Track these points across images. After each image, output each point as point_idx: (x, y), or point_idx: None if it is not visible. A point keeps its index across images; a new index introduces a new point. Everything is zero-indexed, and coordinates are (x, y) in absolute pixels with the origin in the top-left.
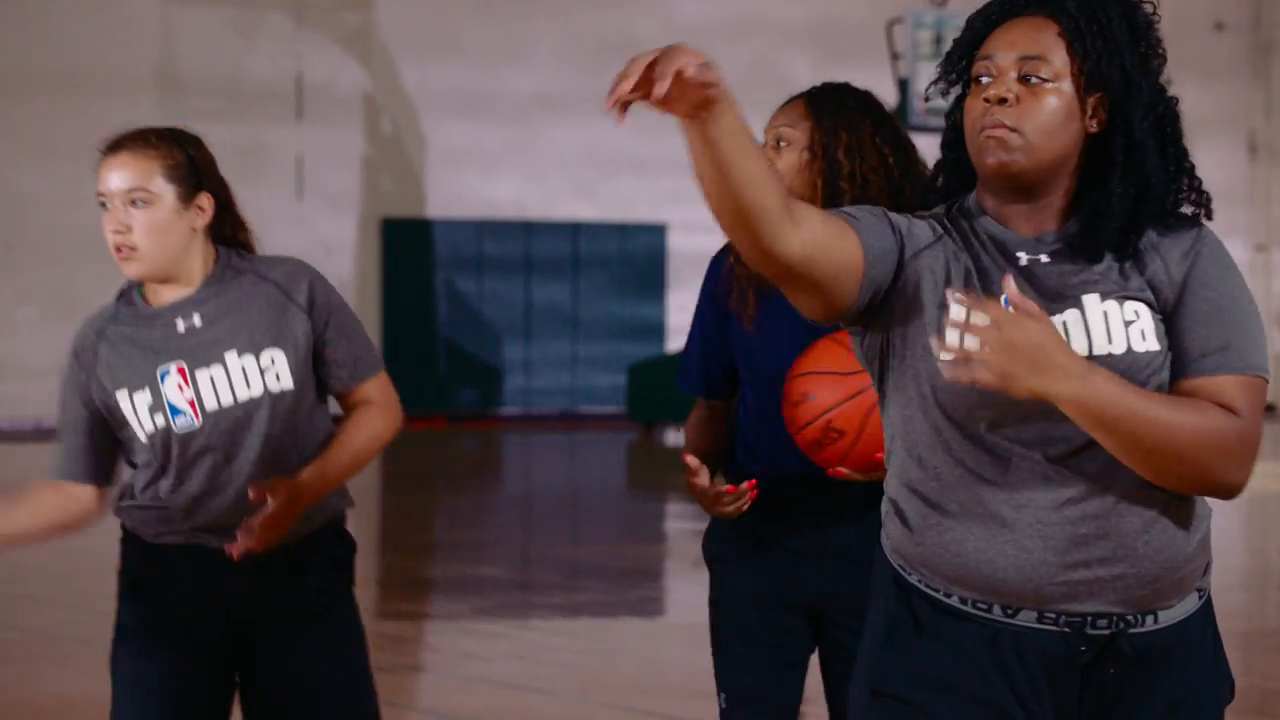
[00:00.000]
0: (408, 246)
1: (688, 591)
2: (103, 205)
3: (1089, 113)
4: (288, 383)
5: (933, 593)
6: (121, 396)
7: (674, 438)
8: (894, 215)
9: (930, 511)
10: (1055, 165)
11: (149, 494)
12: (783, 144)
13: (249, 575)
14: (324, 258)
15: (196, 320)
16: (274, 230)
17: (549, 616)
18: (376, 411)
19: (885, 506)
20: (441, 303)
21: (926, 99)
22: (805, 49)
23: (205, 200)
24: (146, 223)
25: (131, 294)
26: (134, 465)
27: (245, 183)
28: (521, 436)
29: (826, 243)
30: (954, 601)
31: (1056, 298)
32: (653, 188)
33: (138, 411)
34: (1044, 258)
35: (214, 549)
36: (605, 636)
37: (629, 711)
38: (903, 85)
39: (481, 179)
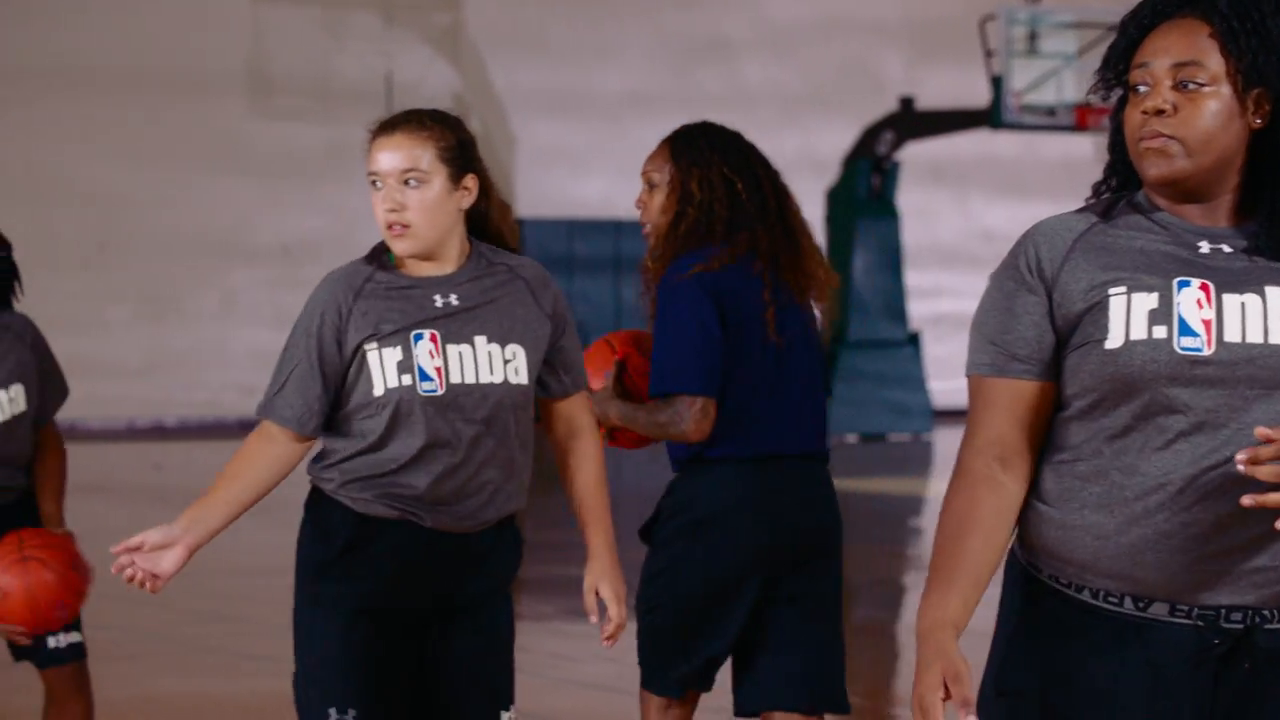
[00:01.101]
0: None
1: None
2: (373, 184)
3: (1251, 109)
4: (524, 378)
5: (1063, 589)
6: (370, 348)
7: None
8: (1021, 276)
9: (1065, 499)
10: (1219, 167)
11: (367, 460)
12: (653, 186)
13: (449, 557)
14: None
15: (454, 299)
16: (363, 230)
17: None
18: (594, 446)
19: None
20: None
21: (1020, 95)
22: (897, 48)
23: (471, 182)
24: (419, 201)
25: (384, 260)
26: (344, 435)
27: (335, 183)
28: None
29: (1043, 425)
30: (1085, 597)
31: (1238, 283)
32: None
33: (384, 365)
34: (1225, 248)
35: (424, 527)
36: None
37: (720, 713)
38: (996, 83)
39: (571, 178)
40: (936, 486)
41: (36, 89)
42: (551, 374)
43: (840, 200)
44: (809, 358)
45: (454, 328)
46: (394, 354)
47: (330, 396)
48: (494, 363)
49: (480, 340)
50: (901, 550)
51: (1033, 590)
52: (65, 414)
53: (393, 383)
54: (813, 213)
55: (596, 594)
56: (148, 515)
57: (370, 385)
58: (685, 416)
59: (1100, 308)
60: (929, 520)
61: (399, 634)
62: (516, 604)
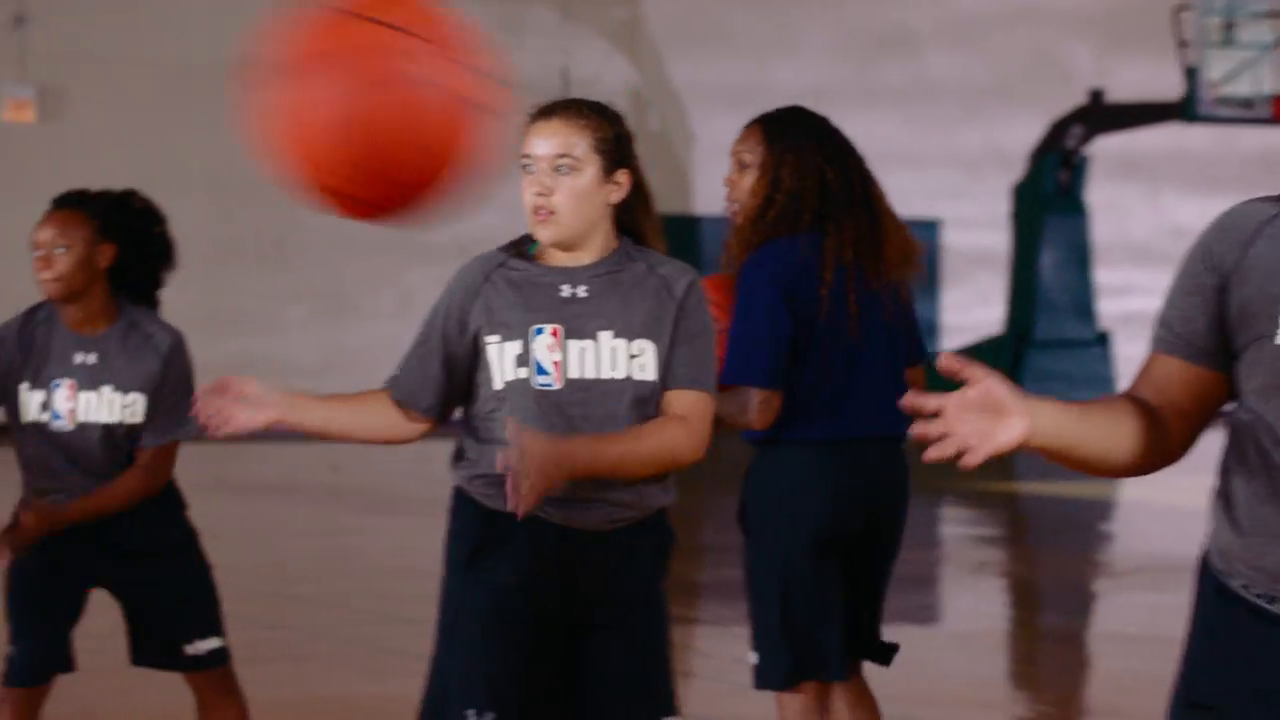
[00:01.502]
0: (675, 243)
1: (965, 599)
2: (525, 168)
3: None
4: (651, 374)
5: (1256, 599)
6: (492, 340)
7: None
8: (1198, 260)
9: (1253, 504)
10: None
11: (489, 454)
12: (744, 167)
13: (583, 555)
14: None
15: (581, 291)
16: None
17: None
18: (676, 426)
19: (1211, 502)
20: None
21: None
22: (1087, 38)
23: (623, 177)
24: (569, 189)
25: (524, 247)
26: (471, 431)
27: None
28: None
29: (1194, 409)
30: (1277, 609)
31: None
32: (926, 182)
33: (504, 359)
34: None
35: (552, 523)
36: None
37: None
38: (1190, 74)
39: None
40: (1127, 490)
41: (217, 84)
42: (664, 368)
43: (1027, 196)
44: (890, 341)
45: (577, 322)
46: (514, 347)
47: (453, 379)
48: (617, 359)
49: (605, 335)
50: (1089, 555)
51: (1225, 599)
52: None
53: (509, 375)
54: (998, 209)
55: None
56: (326, 516)
57: (490, 378)
58: (750, 408)
59: (1274, 300)
60: (1119, 525)
61: (542, 638)
62: (695, 608)
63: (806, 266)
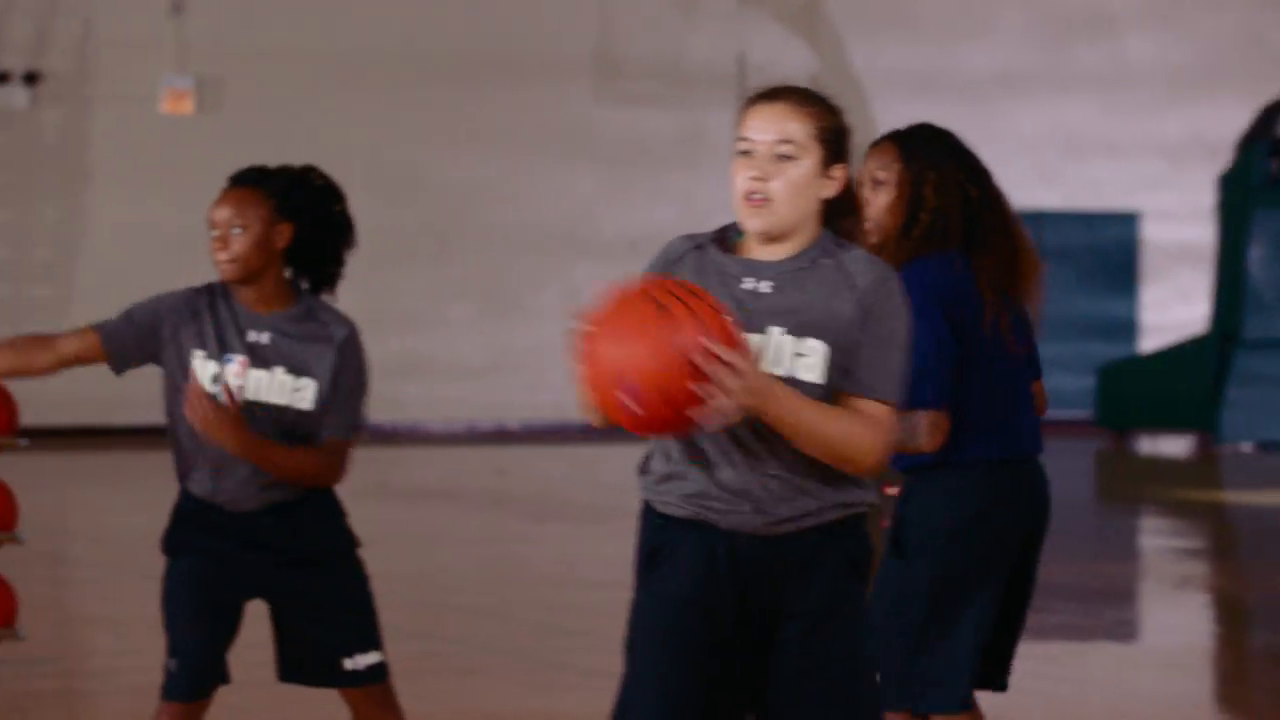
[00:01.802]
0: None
1: (1167, 615)
2: (742, 152)
3: None
4: (817, 375)
5: None
6: None
7: (1148, 445)
8: None
9: None
10: None
11: (661, 454)
12: (878, 184)
13: (755, 562)
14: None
15: (763, 286)
16: (714, 221)
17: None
18: (864, 425)
19: None
20: None
21: None
22: None
23: (839, 172)
24: (787, 177)
25: (729, 235)
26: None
27: (685, 170)
28: None
29: None
30: None
31: None
32: (1124, 172)
33: None
34: None
35: (719, 527)
36: (1077, 663)
37: None
38: None
39: None
40: None
41: (378, 76)
42: (844, 377)
43: (1234, 187)
44: (1029, 358)
45: (751, 318)
46: None
47: None
48: (781, 356)
49: (775, 331)
50: None
51: None
52: (406, 415)
53: None
54: (1203, 200)
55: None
56: (489, 523)
57: None
58: (920, 431)
59: None
60: None
61: (719, 651)
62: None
63: (960, 284)
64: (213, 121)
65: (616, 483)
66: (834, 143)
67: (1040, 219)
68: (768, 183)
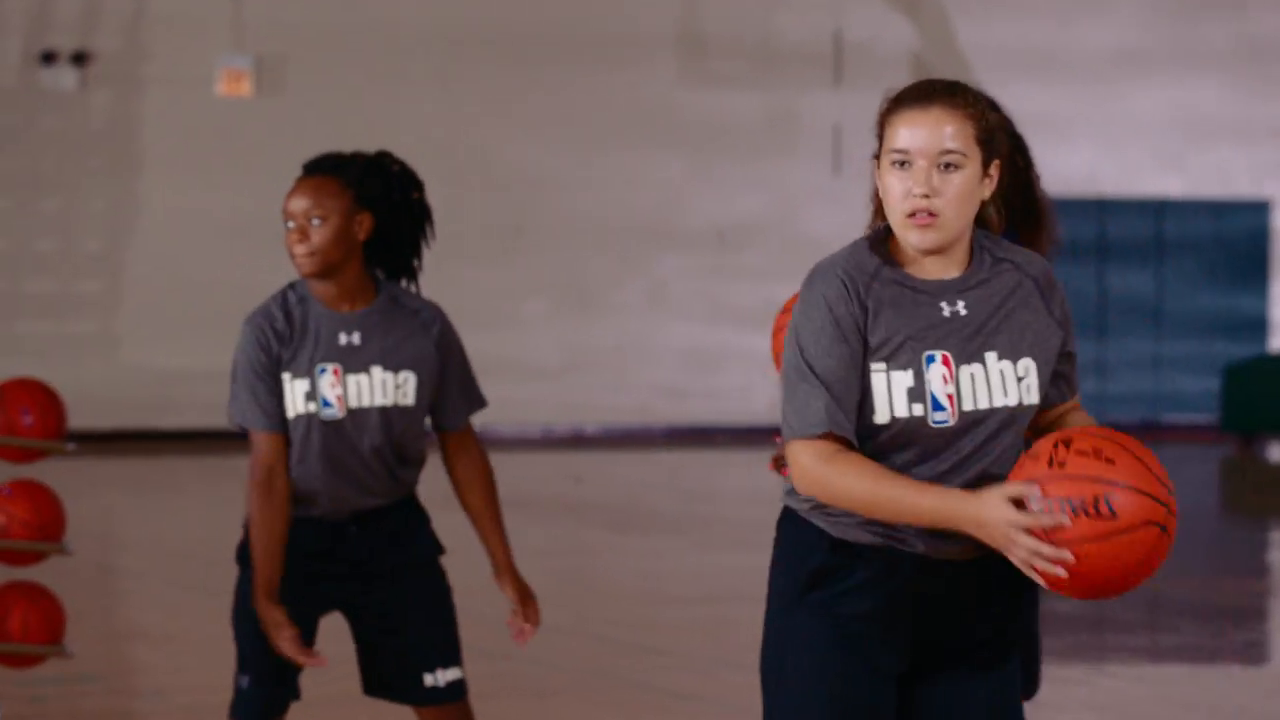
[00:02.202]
0: None
1: None
2: (899, 164)
3: None
4: (1036, 397)
5: None
6: (878, 368)
7: (1278, 452)
8: None
9: None
10: None
11: None
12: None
13: (940, 588)
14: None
15: (961, 308)
16: (807, 209)
17: (1131, 661)
18: (1084, 413)
19: None
20: None
21: None
22: None
23: (996, 170)
24: (956, 188)
25: (885, 247)
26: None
27: (776, 155)
28: None
29: None
30: None
31: None
32: (1254, 158)
33: (892, 393)
34: None
35: (911, 552)
36: (1198, 685)
37: None
38: None
39: (1049, 150)
40: None
41: (447, 56)
42: (1053, 385)
43: None
44: None
45: (963, 345)
46: (904, 378)
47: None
48: (1007, 383)
49: (991, 357)
50: None
51: None
52: (478, 418)
53: (901, 412)
54: None
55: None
56: (565, 533)
57: (873, 412)
58: None
59: None
60: None
61: (887, 680)
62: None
63: None
64: (271, 104)
65: (700, 491)
66: (992, 140)
67: (1162, 208)
68: (935, 198)
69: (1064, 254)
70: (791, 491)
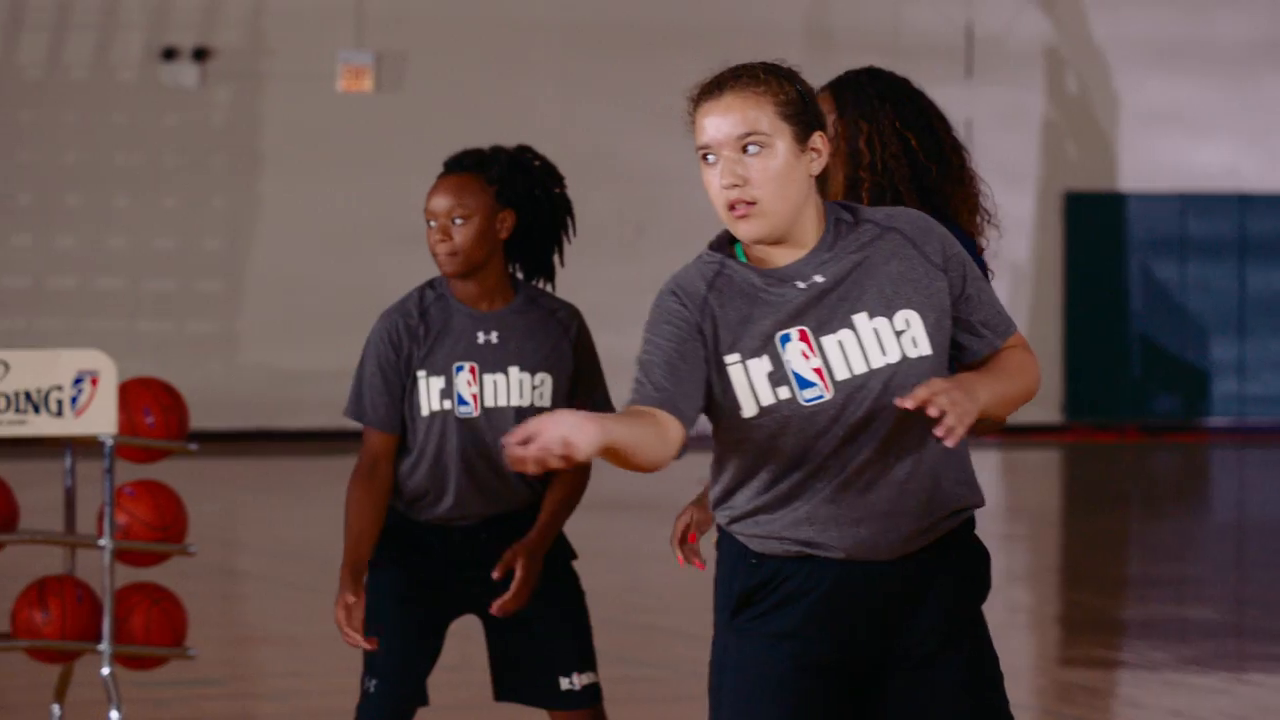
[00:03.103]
0: (1096, 225)
1: None
2: (704, 159)
3: None
4: (925, 348)
5: None
6: (732, 360)
7: None
8: None
9: None
10: None
11: (749, 492)
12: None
13: (868, 591)
14: (996, 238)
15: (818, 279)
16: None
17: (1273, 669)
18: (1026, 354)
19: None
20: (1136, 292)
21: None
22: None
23: (820, 140)
24: (764, 171)
25: (731, 246)
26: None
27: None
28: (1234, 452)
29: None
30: None
31: None
32: None
33: (754, 383)
34: None
35: (831, 559)
36: None
37: None
38: None
39: (1187, 144)
40: None
41: (569, 50)
42: (968, 334)
43: None
44: None
45: (822, 314)
46: (762, 365)
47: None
48: (884, 340)
49: (860, 319)
50: None
51: None
52: None
53: (766, 399)
54: None
55: None
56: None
57: (745, 402)
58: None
59: None
60: None
61: (826, 692)
62: (1119, 650)
63: None
64: (393, 100)
65: None
66: (802, 113)
67: None
68: (748, 186)
69: (1202, 251)
70: (715, 504)
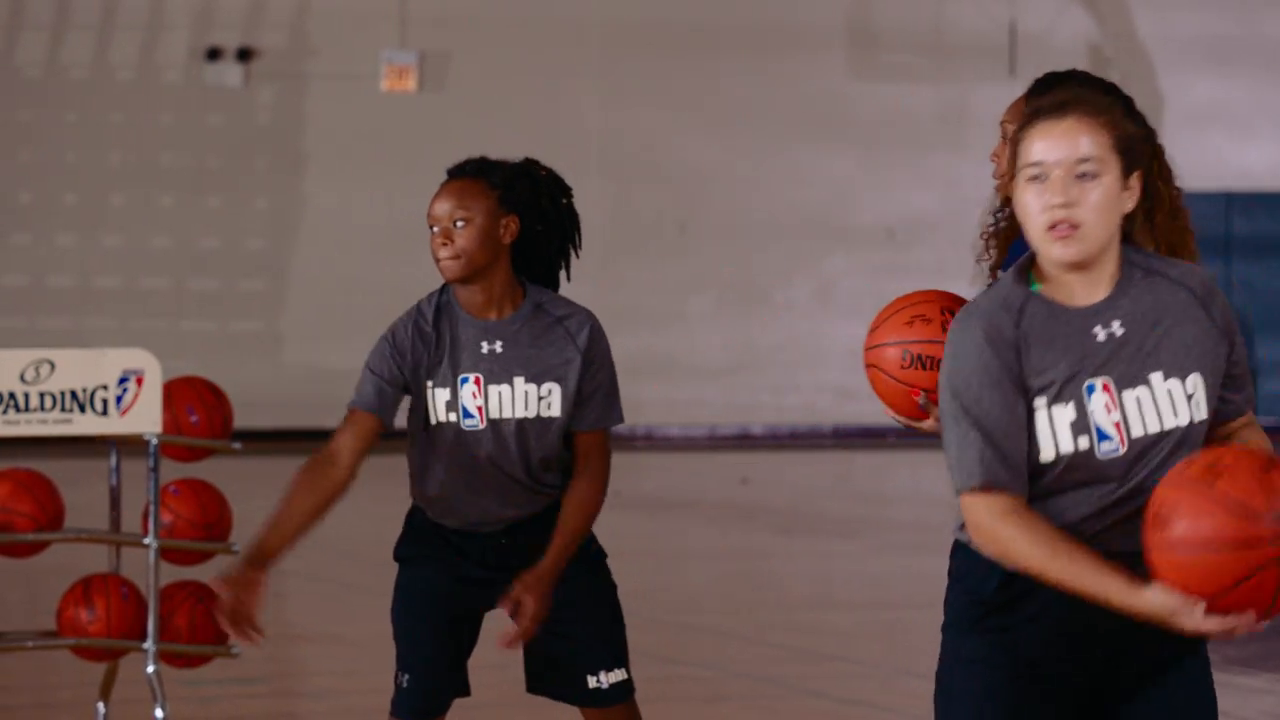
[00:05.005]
0: None
1: None
2: (1033, 178)
3: None
4: (1204, 413)
5: None
6: (1039, 405)
7: None
8: None
9: None
10: None
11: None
12: (1006, 139)
13: (1112, 620)
14: None
15: (1116, 329)
16: (979, 206)
17: None
18: (1256, 428)
19: None
20: None
21: None
22: None
23: (1137, 181)
24: (1094, 198)
25: (1029, 277)
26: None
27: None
28: None
29: None
30: None
31: None
32: None
33: (1055, 425)
34: None
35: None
36: None
37: None
38: None
39: (1232, 143)
40: None
41: (613, 49)
42: (1224, 395)
43: None
44: None
45: (1125, 368)
46: (1066, 412)
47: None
48: (1176, 403)
49: (1156, 378)
50: None
51: None
52: (644, 419)
53: (1066, 448)
54: None
55: None
56: (734, 536)
57: (1038, 450)
58: None
59: None
60: None
61: (1062, 709)
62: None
63: None
64: (437, 100)
65: (872, 493)
66: (1131, 149)
67: None
68: (1074, 209)
69: (1247, 250)
70: (961, 527)
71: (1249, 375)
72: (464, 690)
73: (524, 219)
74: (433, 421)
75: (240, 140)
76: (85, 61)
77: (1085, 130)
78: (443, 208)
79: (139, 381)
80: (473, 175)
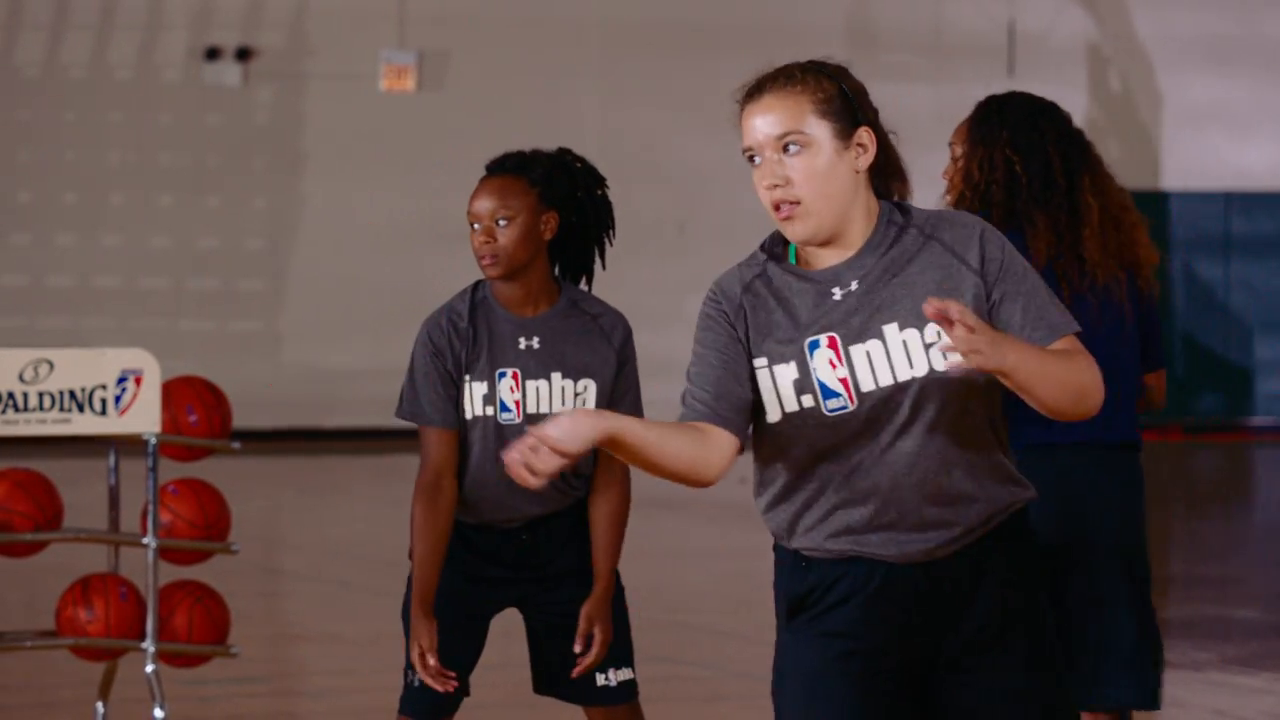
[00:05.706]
0: None
1: None
2: (751, 161)
3: None
4: (955, 358)
5: None
6: (760, 365)
7: None
8: None
9: None
10: None
11: (785, 499)
12: (954, 160)
13: (920, 589)
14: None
15: (854, 286)
16: None
17: None
18: (1084, 358)
19: None
20: (1179, 291)
21: None
22: None
23: (867, 135)
24: (805, 170)
25: (783, 251)
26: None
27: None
28: (1278, 451)
29: None
30: None
31: None
32: None
33: (779, 388)
34: None
35: (880, 561)
36: None
37: None
38: None
39: (1231, 143)
40: None
41: (612, 49)
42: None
43: None
44: (1110, 343)
45: (854, 323)
46: (788, 371)
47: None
48: (912, 353)
49: (891, 330)
50: None
51: None
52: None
53: (791, 406)
54: None
55: None
56: (735, 535)
57: (764, 414)
58: None
59: None
60: None
61: (883, 690)
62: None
63: None
64: (435, 100)
65: None
66: (843, 108)
67: None
68: (790, 187)
69: (1246, 250)
70: (763, 511)
71: (1043, 307)
72: (467, 691)
73: (563, 214)
74: (468, 416)
75: (239, 140)
76: (84, 61)
77: (780, 104)
78: (485, 205)
79: (138, 381)
80: (513, 172)
